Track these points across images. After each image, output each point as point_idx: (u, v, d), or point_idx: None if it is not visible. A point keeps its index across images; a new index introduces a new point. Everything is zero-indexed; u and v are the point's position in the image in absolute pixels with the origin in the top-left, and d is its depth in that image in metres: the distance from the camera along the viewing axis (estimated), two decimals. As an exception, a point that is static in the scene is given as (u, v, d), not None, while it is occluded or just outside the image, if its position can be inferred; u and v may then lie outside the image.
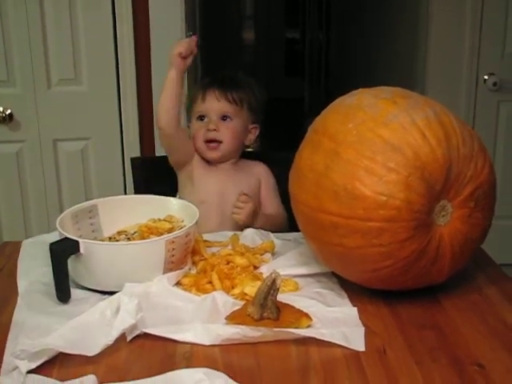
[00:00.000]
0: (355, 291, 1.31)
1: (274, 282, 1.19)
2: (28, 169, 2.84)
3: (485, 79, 2.93)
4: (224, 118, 1.80)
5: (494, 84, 2.89)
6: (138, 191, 1.92)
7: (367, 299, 1.29)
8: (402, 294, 1.28)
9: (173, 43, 1.75)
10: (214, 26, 5.66)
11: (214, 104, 1.80)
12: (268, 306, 1.19)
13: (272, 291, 1.19)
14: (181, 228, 1.40)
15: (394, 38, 3.70)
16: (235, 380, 1.02)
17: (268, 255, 1.48)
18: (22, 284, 1.37)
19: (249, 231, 1.61)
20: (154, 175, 1.83)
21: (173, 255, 1.33)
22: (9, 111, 2.75)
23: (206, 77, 1.89)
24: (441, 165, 1.18)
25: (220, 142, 1.79)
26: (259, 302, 1.19)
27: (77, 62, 2.74)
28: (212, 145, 1.80)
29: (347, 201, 1.19)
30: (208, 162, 1.83)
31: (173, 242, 1.32)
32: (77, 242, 1.28)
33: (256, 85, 1.88)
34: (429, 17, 2.95)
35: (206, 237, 1.57)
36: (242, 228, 1.66)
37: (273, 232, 1.63)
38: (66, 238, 1.29)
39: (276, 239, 1.56)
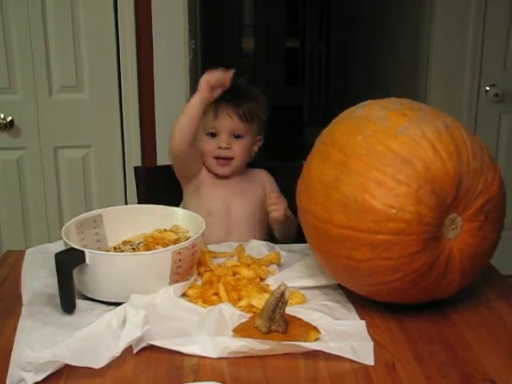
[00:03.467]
0: (362, 304, 1.30)
1: (282, 294, 1.18)
2: (28, 176, 2.82)
3: (486, 90, 2.94)
4: (236, 135, 1.78)
5: (496, 95, 2.90)
6: (141, 201, 1.91)
7: (374, 312, 1.28)
8: (410, 307, 1.27)
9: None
10: (215, 35, 5.68)
11: (226, 122, 1.76)
12: (276, 319, 1.17)
13: (280, 304, 1.18)
14: (187, 239, 1.39)
15: (395, 48, 3.71)
16: (243, 394, 1.02)
17: (274, 267, 1.48)
18: (26, 294, 1.36)
19: (254, 242, 1.61)
20: (157, 184, 1.82)
21: (179, 266, 1.32)
22: (10, 118, 2.75)
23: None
24: (451, 178, 1.17)
25: (231, 158, 1.78)
26: (267, 314, 1.17)
27: (78, 70, 2.73)
28: (223, 161, 1.78)
29: (357, 213, 1.18)
30: (216, 174, 1.83)
31: (179, 253, 1.31)
32: (82, 253, 1.27)
33: (262, 95, 1.85)
34: (431, 28, 2.96)
35: (211, 247, 1.56)
36: (249, 238, 1.65)
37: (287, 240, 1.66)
38: (72, 249, 1.28)
39: (282, 251, 1.56)
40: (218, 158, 1.78)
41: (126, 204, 2.69)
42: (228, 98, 1.76)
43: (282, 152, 3.95)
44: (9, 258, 1.59)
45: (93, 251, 1.30)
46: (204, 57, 4.16)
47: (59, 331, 1.20)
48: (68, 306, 1.28)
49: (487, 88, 2.93)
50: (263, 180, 1.88)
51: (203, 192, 1.80)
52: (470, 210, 1.21)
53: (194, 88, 2.81)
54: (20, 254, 1.57)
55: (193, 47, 2.84)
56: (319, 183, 1.26)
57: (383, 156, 1.19)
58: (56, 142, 2.80)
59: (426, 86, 3.03)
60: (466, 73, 2.94)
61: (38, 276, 1.42)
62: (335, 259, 1.26)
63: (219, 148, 1.77)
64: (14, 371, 1.08)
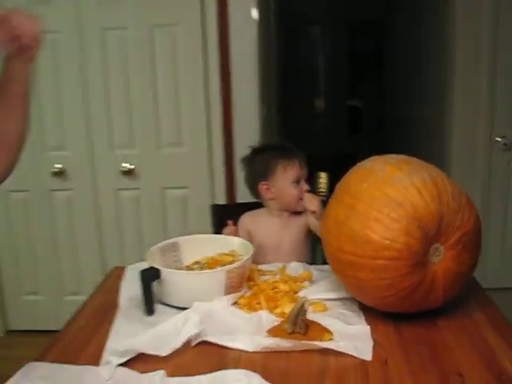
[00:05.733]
0: (371, 313, 1.31)
1: (302, 305, 1.22)
2: (144, 210, 2.95)
3: (497, 141, 2.87)
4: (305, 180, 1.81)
5: (505, 145, 2.83)
6: (214, 231, 1.97)
7: (379, 320, 1.29)
8: (408, 316, 1.27)
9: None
10: (290, 96, 5.77)
11: (305, 171, 1.80)
12: (298, 323, 1.22)
13: (301, 312, 1.22)
14: (239, 261, 1.44)
15: (427, 106, 3.67)
16: (268, 380, 1.04)
17: (307, 283, 1.50)
18: (121, 300, 1.44)
19: (294, 263, 1.62)
20: (227, 218, 1.88)
21: (231, 281, 1.37)
22: (132, 166, 2.90)
23: (275, 147, 1.86)
24: (434, 216, 1.18)
25: None
26: (291, 319, 1.22)
27: (179, 131, 2.85)
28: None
29: (360, 244, 1.21)
30: (270, 211, 1.85)
31: (232, 271, 1.36)
32: (159, 270, 1.35)
33: None
34: (453, 91, 2.93)
35: (261, 267, 1.60)
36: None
37: None
38: (152, 267, 1.36)
39: (314, 270, 1.57)
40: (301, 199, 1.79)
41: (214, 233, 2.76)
42: (298, 154, 1.81)
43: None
44: (115, 272, 1.67)
45: (167, 269, 1.37)
46: (281, 113, 4.23)
47: (140, 328, 1.26)
48: (149, 310, 1.35)
49: (498, 139, 2.86)
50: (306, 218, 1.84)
51: (257, 231, 1.84)
52: (450, 240, 1.21)
53: (264, 137, 2.88)
54: (123, 270, 1.65)
55: (264, 112, 2.91)
56: (334, 220, 1.30)
57: (381, 200, 1.22)
58: (163, 184, 2.92)
59: (450, 138, 2.99)
60: (480, 126, 2.88)
61: (131, 286, 1.49)
62: (346, 278, 1.29)
63: (306, 191, 1.78)
64: (105, 355, 1.16)
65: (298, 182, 1.79)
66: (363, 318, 1.31)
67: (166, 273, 1.35)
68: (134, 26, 2.72)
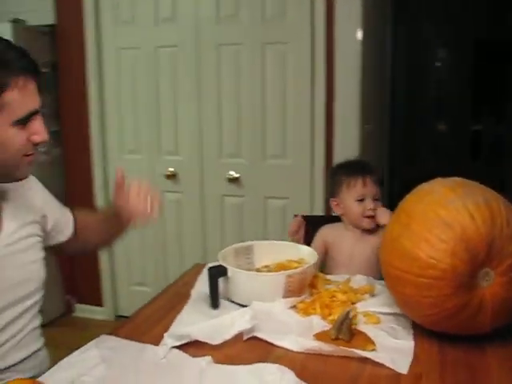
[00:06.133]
0: (419, 330, 1.32)
1: (348, 313, 1.28)
2: (246, 216, 3.10)
3: None
4: (375, 199, 1.84)
5: None
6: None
7: (425, 337, 1.30)
8: (455, 337, 1.27)
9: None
10: (414, 120, 5.69)
11: (371, 189, 1.83)
12: (343, 330, 1.27)
13: (347, 320, 1.27)
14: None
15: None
16: (302, 379, 1.10)
17: (367, 295, 1.54)
18: (193, 292, 1.58)
19: (359, 276, 1.65)
20: (308, 228, 1.96)
21: (290, 286, 1.45)
22: (238, 175, 3.07)
23: (345, 165, 1.92)
24: (483, 239, 1.18)
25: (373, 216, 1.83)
26: (336, 326, 1.28)
27: (285, 143, 2.98)
28: (371, 220, 1.82)
29: (408, 260, 1.25)
30: (345, 226, 1.90)
31: (291, 276, 1.44)
32: (226, 268, 1.46)
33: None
34: None
35: (329, 276, 1.67)
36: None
37: None
38: (220, 265, 1.48)
39: (378, 285, 1.59)
40: (367, 217, 1.83)
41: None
42: (368, 171, 1.85)
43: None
44: (195, 268, 1.81)
45: (232, 268, 1.48)
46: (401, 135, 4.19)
47: (203, 318, 1.37)
48: (214, 304, 1.46)
49: None
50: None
51: (332, 243, 1.89)
52: (501, 266, 1.20)
53: (365, 155, 2.92)
54: (203, 266, 1.77)
55: (367, 131, 2.95)
56: (389, 236, 1.34)
57: (434, 221, 1.24)
58: (266, 193, 3.05)
59: None
60: None
61: (205, 282, 1.56)
62: (394, 293, 1.33)
63: (370, 209, 1.81)
64: (165, 337, 1.29)
65: (362, 200, 1.82)
66: (412, 334, 1.32)
67: (231, 271, 1.46)
68: (246, 43, 2.91)
